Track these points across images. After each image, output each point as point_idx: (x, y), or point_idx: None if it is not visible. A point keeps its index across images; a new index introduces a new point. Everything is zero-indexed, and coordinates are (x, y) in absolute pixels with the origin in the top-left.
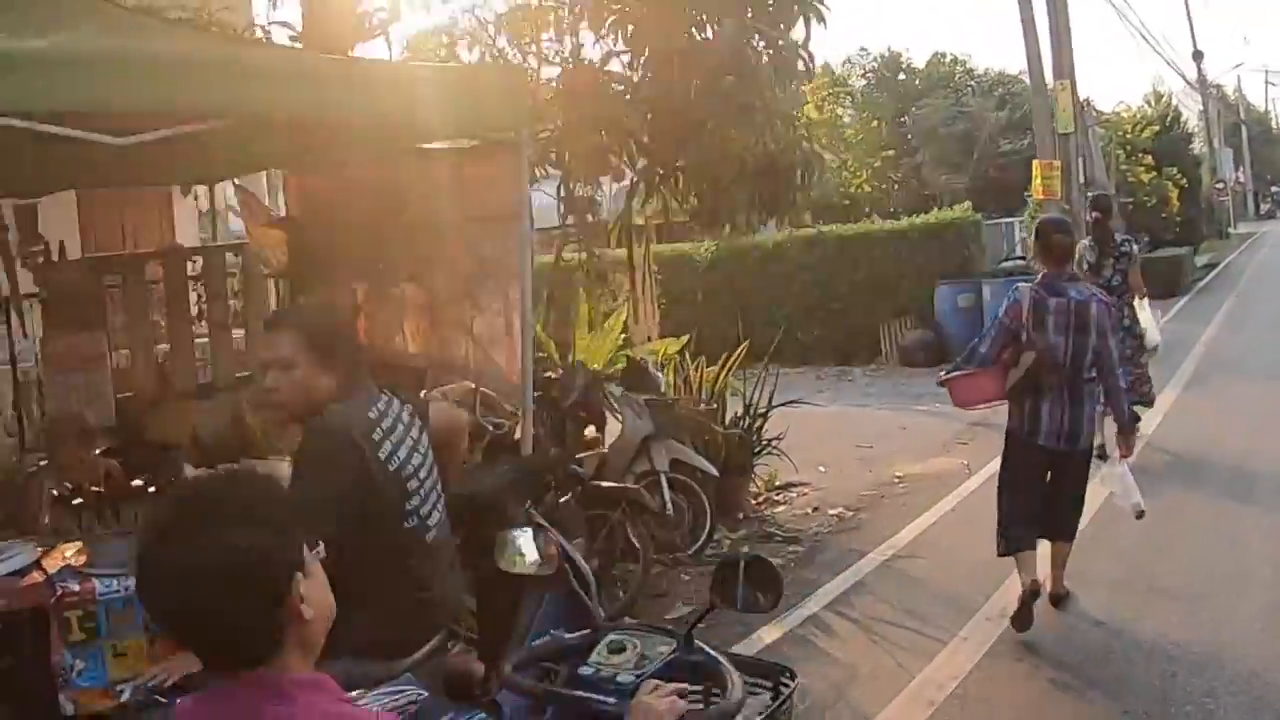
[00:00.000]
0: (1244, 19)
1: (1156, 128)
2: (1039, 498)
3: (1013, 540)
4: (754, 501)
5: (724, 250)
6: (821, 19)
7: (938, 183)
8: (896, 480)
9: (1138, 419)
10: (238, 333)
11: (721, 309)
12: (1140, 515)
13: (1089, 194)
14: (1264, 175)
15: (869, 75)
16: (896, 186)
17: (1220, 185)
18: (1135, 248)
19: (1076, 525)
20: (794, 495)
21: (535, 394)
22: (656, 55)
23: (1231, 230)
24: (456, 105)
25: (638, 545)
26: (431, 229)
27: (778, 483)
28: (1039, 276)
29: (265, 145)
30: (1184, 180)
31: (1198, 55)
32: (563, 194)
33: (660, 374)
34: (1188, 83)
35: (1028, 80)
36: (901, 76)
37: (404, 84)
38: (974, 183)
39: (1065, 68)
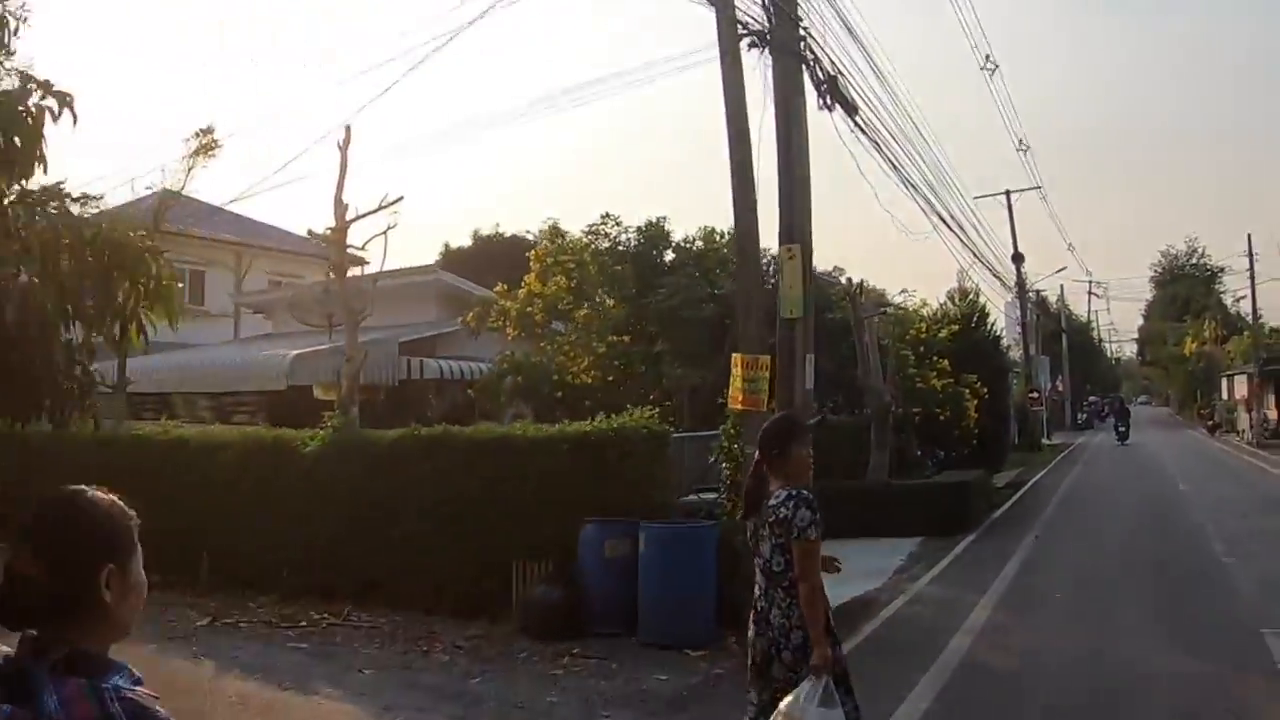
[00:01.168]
0: (1073, 227)
1: (957, 327)
2: None
3: None
4: None
5: (331, 443)
6: None
7: (674, 376)
8: None
9: None
10: None
11: (327, 521)
12: None
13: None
14: (1083, 385)
15: (620, 245)
16: (628, 380)
17: (1035, 395)
18: (802, 510)
19: None
20: None
21: None
22: None
23: (1046, 441)
24: None
25: None
26: None
27: None
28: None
29: None
30: (985, 389)
31: (1018, 258)
32: None
33: None
34: (1004, 284)
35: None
36: (671, 255)
37: None
38: (718, 379)
39: (797, 229)
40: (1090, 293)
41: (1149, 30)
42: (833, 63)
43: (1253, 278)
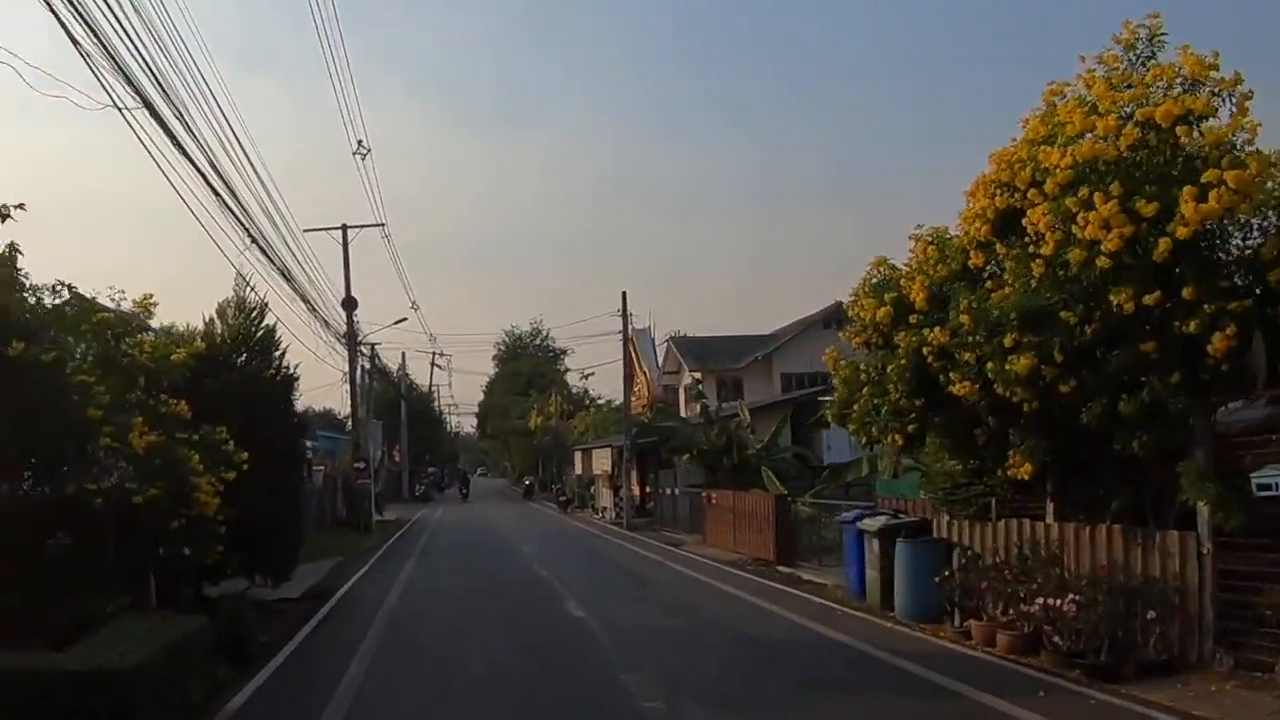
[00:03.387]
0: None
1: (204, 345)
2: None
3: None
4: None
5: None
6: None
7: None
8: None
9: None
10: None
11: None
12: None
13: None
14: (422, 456)
15: None
16: None
17: (361, 464)
18: None
19: None
20: None
21: None
22: None
23: (378, 517)
24: None
25: None
26: None
27: None
28: None
29: None
30: (245, 451)
31: (350, 303)
32: None
33: None
34: (316, 314)
35: None
36: None
37: None
38: None
39: None
40: (434, 364)
41: (509, 152)
42: None
43: (626, 337)
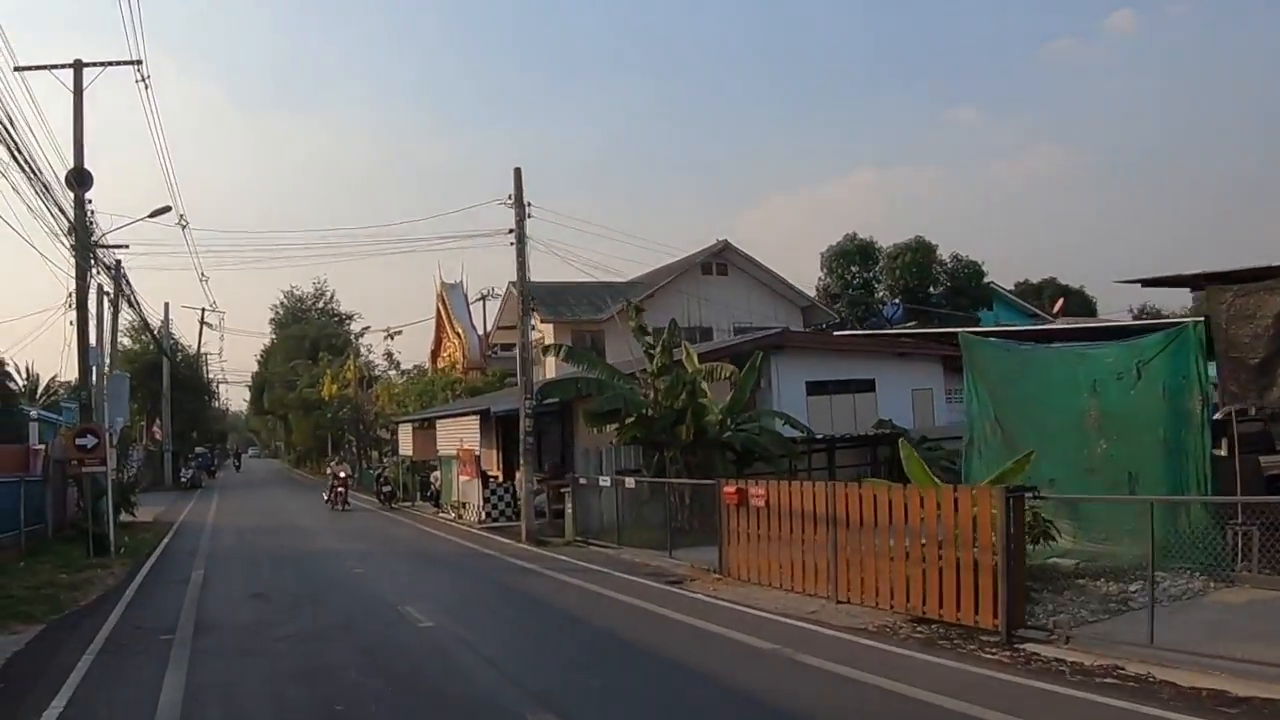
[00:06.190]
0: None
1: None
2: None
3: None
4: None
5: None
6: None
7: None
8: None
9: None
10: None
11: None
12: None
13: None
14: (189, 434)
15: None
16: None
17: (89, 440)
18: None
19: None
20: None
21: None
22: None
23: (129, 518)
24: None
25: None
26: None
27: None
28: None
29: None
30: None
31: (80, 178)
32: None
33: None
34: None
35: None
36: None
37: None
38: None
39: None
40: (203, 321)
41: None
42: None
43: (521, 233)
